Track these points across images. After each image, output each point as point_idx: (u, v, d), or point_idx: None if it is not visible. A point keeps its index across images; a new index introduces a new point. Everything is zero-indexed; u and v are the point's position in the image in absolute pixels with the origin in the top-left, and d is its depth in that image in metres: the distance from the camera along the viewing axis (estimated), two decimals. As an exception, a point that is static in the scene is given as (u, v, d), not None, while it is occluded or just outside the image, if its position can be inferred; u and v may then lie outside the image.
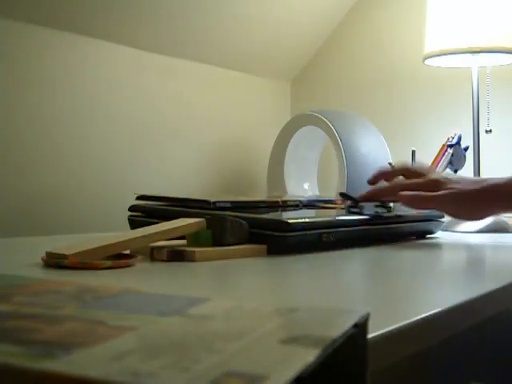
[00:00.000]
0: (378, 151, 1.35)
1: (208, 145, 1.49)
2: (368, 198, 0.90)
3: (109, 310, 0.28)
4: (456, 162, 1.29)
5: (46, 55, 1.16)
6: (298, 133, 1.42)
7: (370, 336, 0.30)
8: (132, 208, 0.91)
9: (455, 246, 0.91)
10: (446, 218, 1.07)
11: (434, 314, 0.40)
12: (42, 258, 0.61)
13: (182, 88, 1.43)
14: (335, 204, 1.06)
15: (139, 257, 0.64)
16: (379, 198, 0.91)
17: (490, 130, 1.33)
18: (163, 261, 0.66)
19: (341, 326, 0.25)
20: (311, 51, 1.73)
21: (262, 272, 0.61)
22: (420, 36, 1.40)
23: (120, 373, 0.19)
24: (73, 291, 0.33)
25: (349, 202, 0.91)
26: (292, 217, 0.77)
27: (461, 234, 1.12)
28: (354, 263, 0.70)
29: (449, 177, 0.90)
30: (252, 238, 0.72)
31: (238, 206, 0.86)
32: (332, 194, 1.35)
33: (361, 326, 0.27)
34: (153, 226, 0.69)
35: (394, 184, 0.90)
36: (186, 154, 1.44)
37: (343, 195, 0.94)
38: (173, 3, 1.31)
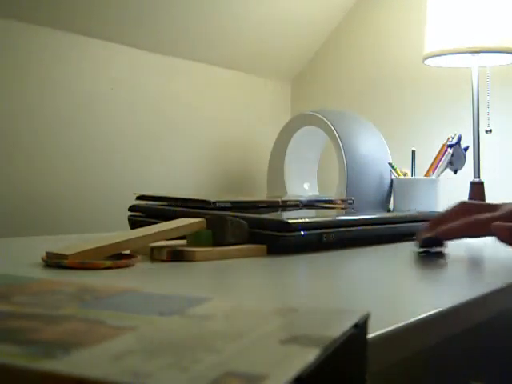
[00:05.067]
0: (378, 151, 1.35)
1: (208, 145, 1.49)
2: (449, 234, 0.74)
3: (109, 310, 0.28)
4: (456, 162, 1.30)
5: (45, 55, 1.16)
6: (298, 133, 1.42)
7: (369, 336, 0.30)
8: (132, 208, 0.91)
9: (455, 246, 0.91)
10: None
11: (434, 314, 0.40)
12: (42, 258, 0.61)
13: (182, 88, 1.43)
14: (335, 204, 1.06)
15: (139, 257, 0.64)
16: (462, 234, 0.74)
17: (490, 130, 1.33)
18: (163, 261, 0.66)
19: (341, 326, 0.25)
20: (311, 51, 1.73)
21: (262, 272, 0.61)
22: (420, 36, 1.40)
23: (120, 373, 0.19)
24: (73, 291, 0.33)
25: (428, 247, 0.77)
26: (292, 217, 0.77)
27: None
28: (354, 263, 0.70)
29: None
30: (252, 237, 0.72)
31: (237, 205, 0.86)
32: (332, 194, 1.35)
33: (361, 326, 0.27)
34: (153, 226, 0.69)
35: (478, 218, 0.73)
36: (185, 154, 1.44)
37: (425, 241, 0.75)
38: (172, 3, 1.31)
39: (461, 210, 0.76)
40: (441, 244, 0.76)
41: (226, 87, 1.55)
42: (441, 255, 0.75)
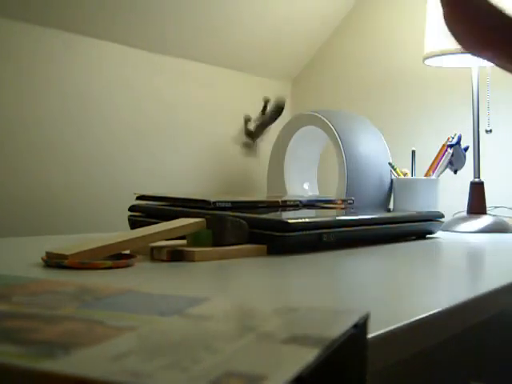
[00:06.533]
0: (378, 151, 1.35)
1: (208, 145, 1.49)
2: None
3: (109, 310, 0.28)
4: (456, 162, 1.30)
5: (37, 54, 1.16)
6: (297, 133, 1.42)
7: (369, 336, 0.30)
8: (132, 208, 0.91)
9: (455, 246, 0.91)
10: (446, 218, 1.07)
11: (434, 314, 0.40)
12: (42, 258, 0.61)
13: (182, 88, 1.43)
14: (335, 204, 1.06)
15: (139, 257, 0.65)
16: None
17: (490, 130, 1.33)
18: (163, 261, 0.66)
19: (341, 326, 0.25)
20: (311, 51, 1.73)
21: (262, 272, 0.61)
22: (420, 36, 1.40)
23: (120, 373, 0.19)
24: (73, 291, 0.33)
25: None
26: (292, 217, 0.77)
27: (461, 234, 1.12)
28: (354, 263, 0.70)
29: None
30: (252, 237, 0.72)
31: (237, 205, 0.86)
32: (332, 194, 1.35)
33: (361, 326, 0.27)
34: (153, 226, 0.69)
35: None
36: (186, 154, 1.44)
37: None
38: (172, 3, 1.31)
39: None
40: None
41: (226, 87, 1.55)
42: None
